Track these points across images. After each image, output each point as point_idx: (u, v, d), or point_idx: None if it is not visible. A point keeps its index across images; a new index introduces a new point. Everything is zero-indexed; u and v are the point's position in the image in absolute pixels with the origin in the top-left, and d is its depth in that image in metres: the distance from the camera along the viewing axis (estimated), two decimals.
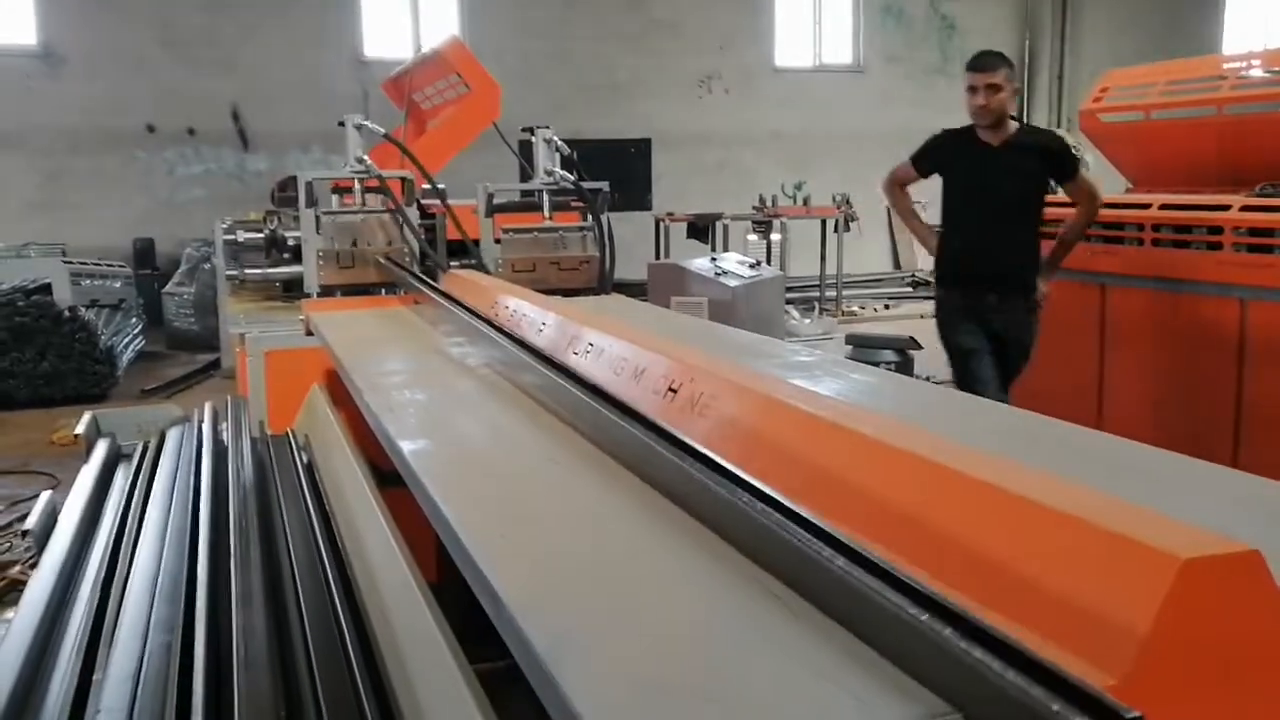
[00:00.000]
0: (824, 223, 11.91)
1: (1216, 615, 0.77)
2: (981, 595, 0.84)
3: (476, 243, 3.79)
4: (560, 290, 3.60)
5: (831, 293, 12.13)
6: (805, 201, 12.20)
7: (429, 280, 3.26)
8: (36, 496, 5.12)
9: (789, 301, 11.14)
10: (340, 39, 12.25)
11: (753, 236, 11.54)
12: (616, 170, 10.42)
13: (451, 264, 3.70)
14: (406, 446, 1.71)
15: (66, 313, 7.74)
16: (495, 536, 1.26)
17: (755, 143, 13.88)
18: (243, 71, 11.86)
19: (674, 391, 1.64)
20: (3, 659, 1.34)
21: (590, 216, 3.87)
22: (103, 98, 11.41)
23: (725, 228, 11.51)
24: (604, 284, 3.78)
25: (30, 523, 2.08)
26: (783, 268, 10.82)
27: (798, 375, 2.13)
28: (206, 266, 9.85)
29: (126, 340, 8.85)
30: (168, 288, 10.32)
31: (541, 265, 3.81)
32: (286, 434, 2.77)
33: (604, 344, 1.95)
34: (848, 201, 11.71)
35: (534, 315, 2.36)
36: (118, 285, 9.53)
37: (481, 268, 3.64)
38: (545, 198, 3.88)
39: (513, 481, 1.56)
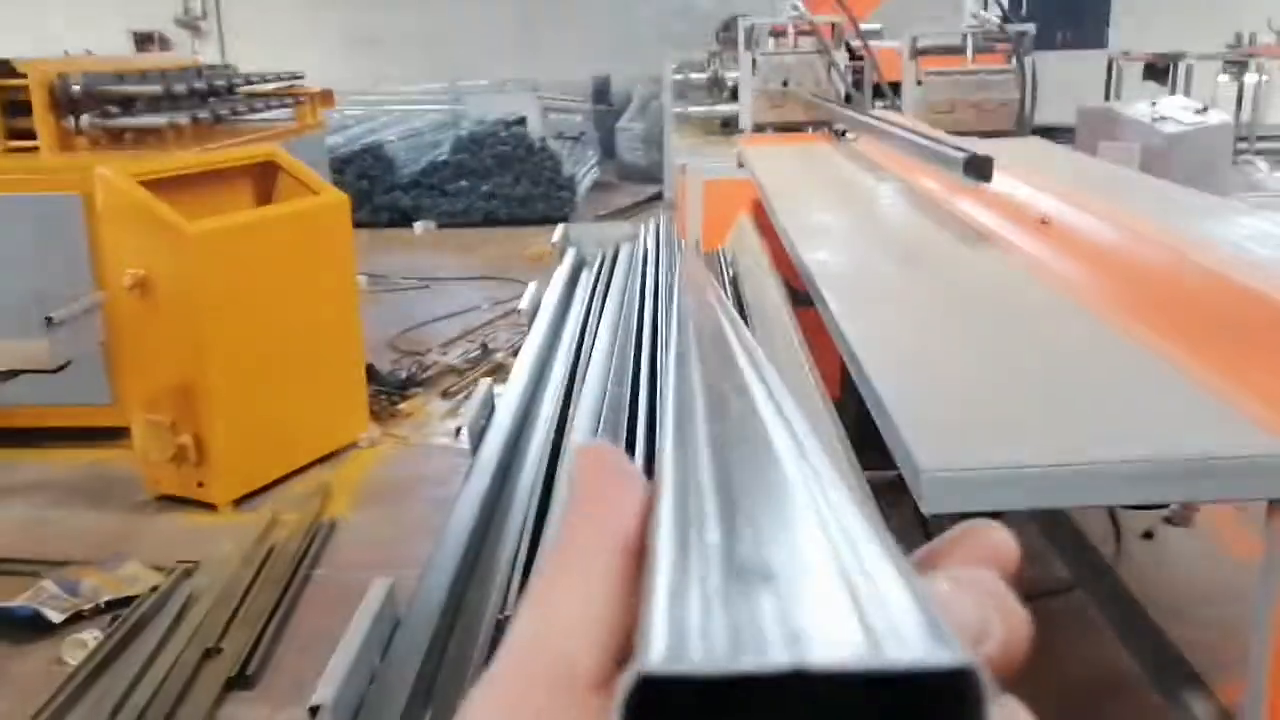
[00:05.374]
0: None
1: None
2: None
3: (895, 85, 3.97)
4: (976, 132, 3.71)
5: None
6: None
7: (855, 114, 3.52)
8: (515, 299, 6.12)
9: (1260, 153, 10.02)
10: None
11: (1224, 78, 10.41)
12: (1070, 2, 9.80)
13: (877, 103, 3.93)
14: (815, 270, 1.88)
15: (538, 144, 8.81)
16: (886, 351, 1.40)
17: None
18: None
19: (1045, 223, 1.85)
20: (512, 388, 1.90)
21: (1015, 59, 3.90)
22: None
23: (1189, 68, 10.47)
24: (1022, 126, 3.84)
25: (522, 304, 2.70)
26: (1254, 114, 9.75)
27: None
28: (655, 104, 10.63)
29: (584, 170, 9.88)
30: (620, 123, 11.26)
31: (961, 107, 3.92)
32: (717, 252, 3.22)
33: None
34: None
35: None
36: (578, 119, 10.58)
37: (895, 109, 3.84)
38: (969, 40, 3.95)
39: (912, 308, 1.68)
